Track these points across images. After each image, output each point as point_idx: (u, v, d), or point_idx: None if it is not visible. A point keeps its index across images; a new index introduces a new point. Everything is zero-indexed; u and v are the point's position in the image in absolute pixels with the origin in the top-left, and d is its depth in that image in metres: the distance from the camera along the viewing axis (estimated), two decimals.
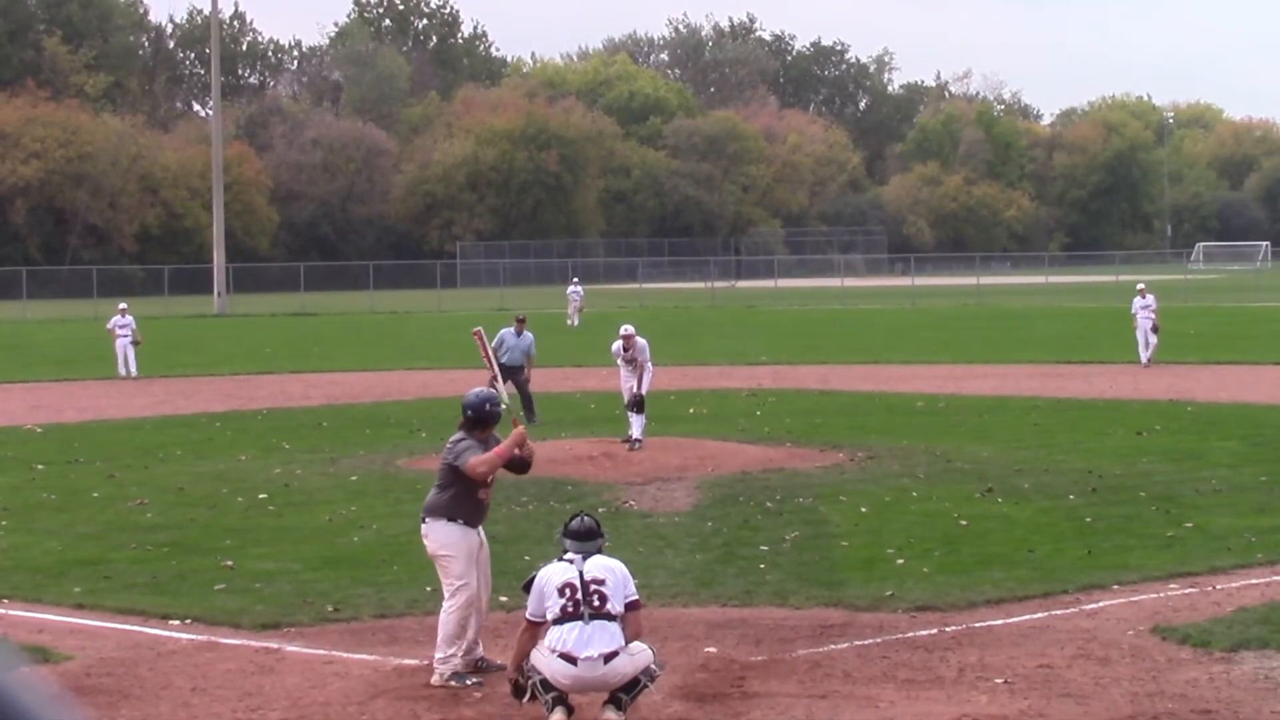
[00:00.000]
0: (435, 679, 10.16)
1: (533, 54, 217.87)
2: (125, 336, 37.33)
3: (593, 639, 9.18)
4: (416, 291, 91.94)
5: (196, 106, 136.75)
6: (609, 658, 9.15)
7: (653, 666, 9.26)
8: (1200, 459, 19.81)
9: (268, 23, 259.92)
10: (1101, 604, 12.01)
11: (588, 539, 9.51)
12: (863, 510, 16.24)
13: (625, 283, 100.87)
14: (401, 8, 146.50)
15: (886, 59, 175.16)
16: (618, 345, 21.89)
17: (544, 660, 9.23)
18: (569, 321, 58.80)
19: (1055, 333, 49.17)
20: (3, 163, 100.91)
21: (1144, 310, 35.78)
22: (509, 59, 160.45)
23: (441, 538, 10.39)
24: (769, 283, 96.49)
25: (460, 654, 10.27)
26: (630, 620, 9.35)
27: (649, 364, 21.71)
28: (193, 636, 11.53)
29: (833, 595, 12.43)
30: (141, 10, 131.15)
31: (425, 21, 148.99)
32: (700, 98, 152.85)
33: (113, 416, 28.20)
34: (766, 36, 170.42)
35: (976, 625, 11.44)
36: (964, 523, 15.41)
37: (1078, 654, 10.57)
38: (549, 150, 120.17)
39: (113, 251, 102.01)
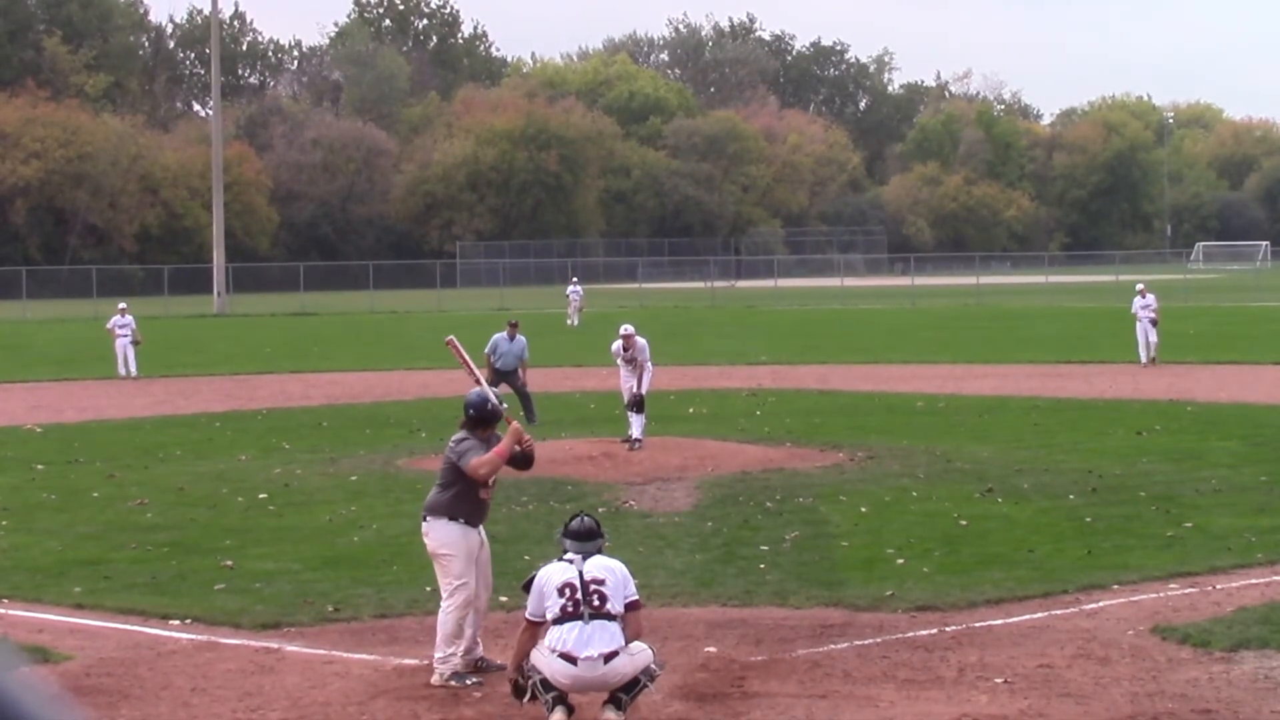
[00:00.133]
0: (435, 679, 10.17)
1: (533, 54, 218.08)
2: (125, 336, 37.33)
3: (592, 639, 9.18)
4: (416, 291, 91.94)
5: (196, 106, 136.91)
6: (609, 658, 9.15)
7: (653, 666, 9.26)
8: (1200, 459, 19.81)
9: (268, 23, 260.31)
10: (1101, 604, 12.01)
11: (588, 539, 9.51)
12: (863, 510, 16.24)
13: (625, 283, 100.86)
14: (401, 8, 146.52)
15: (886, 59, 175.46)
16: (617, 345, 21.91)
17: (544, 660, 9.23)
18: (569, 321, 58.80)
19: (1055, 333, 49.16)
20: (3, 163, 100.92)
21: (1144, 310, 35.80)
22: (509, 59, 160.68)
23: (442, 536, 10.39)
24: (769, 283, 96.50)
25: (460, 654, 10.27)
26: (630, 620, 9.35)
27: (649, 364, 21.71)
28: (193, 636, 11.52)
29: (833, 595, 12.43)
30: (141, 10, 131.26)
31: (425, 21, 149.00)
32: (700, 98, 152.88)
33: (113, 416, 28.20)
34: (766, 36, 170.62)
35: (976, 625, 11.44)
36: (964, 523, 15.41)
37: (1078, 654, 10.57)
38: (549, 150, 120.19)
39: (113, 251, 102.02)
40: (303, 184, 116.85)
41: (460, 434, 10.58)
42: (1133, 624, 11.33)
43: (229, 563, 14.00)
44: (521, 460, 10.67)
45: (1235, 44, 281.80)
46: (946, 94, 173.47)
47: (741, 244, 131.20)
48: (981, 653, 10.65)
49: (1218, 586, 12.49)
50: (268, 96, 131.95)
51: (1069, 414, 25.72)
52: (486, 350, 25.49)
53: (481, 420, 10.55)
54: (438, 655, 10.25)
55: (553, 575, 9.40)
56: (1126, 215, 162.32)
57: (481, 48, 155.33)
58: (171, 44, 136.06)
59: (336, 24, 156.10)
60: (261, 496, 17.86)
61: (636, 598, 9.48)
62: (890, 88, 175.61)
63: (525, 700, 9.34)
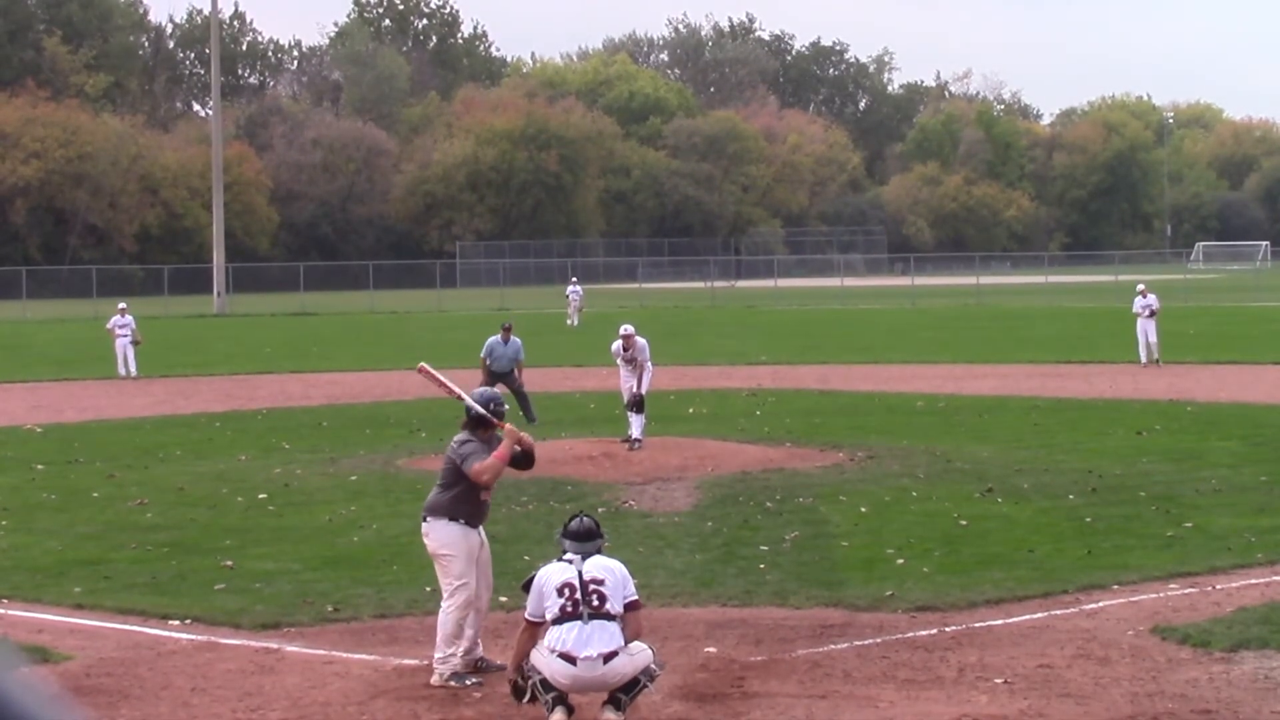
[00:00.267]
0: (435, 679, 10.17)
1: (533, 54, 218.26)
2: (125, 336, 37.33)
3: (592, 639, 9.18)
4: (416, 291, 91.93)
5: (196, 106, 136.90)
6: (608, 658, 9.15)
7: (652, 666, 9.26)
8: (1200, 459, 19.81)
9: (268, 23, 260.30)
10: (1101, 604, 12.01)
11: (587, 539, 9.51)
12: (863, 510, 16.24)
13: (625, 283, 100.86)
14: (401, 8, 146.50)
15: (886, 59, 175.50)
16: (617, 345, 21.91)
17: (543, 660, 9.23)
18: (569, 321, 58.80)
19: (1055, 333, 49.16)
20: (3, 163, 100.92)
21: (1145, 310, 35.80)
22: (509, 59, 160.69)
23: (442, 537, 10.39)
24: (769, 283, 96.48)
25: (460, 654, 10.27)
26: (630, 621, 9.35)
27: (649, 364, 21.72)
28: (193, 636, 11.52)
29: (833, 595, 12.43)
30: (141, 10, 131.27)
31: (425, 21, 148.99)
32: (700, 98, 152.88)
33: (113, 416, 28.20)
34: (766, 36, 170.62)
35: (976, 625, 11.43)
36: (964, 523, 15.41)
37: (1078, 654, 10.57)
38: (549, 150, 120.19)
39: (113, 251, 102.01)
40: (303, 184, 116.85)
41: (462, 435, 10.59)
42: (1133, 624, 11.33)
43: (229, 563, 14.00)
44: (523, 460, 10.68)
45: (1235, 44, 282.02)
46: (946, 94, 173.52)
47: (741, 244, 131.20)
48: (981, 653, 10.65)
49: (1218, 586, 12.49)
50: (268, 96, 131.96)
51: (1069, 414, 25.71)
52: (482, 354, 25.61)
53: (484, 421, 10.56)
54: (438, 655, 10.25)
55: (552, 575, 9.40)
56: (1126, 215, 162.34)
57: (481, 48, 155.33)
58: (171, 44, 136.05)
59: (336, 24, 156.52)
60: (261, 496, 17.86)
61: (636, 597, 9.48)
62: (890, 88, 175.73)
63: (525, 701, 9.34)
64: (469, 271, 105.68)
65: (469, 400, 10.62)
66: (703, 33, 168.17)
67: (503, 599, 11.65)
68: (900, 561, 13.58)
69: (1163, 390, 29.50)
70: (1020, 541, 14.43)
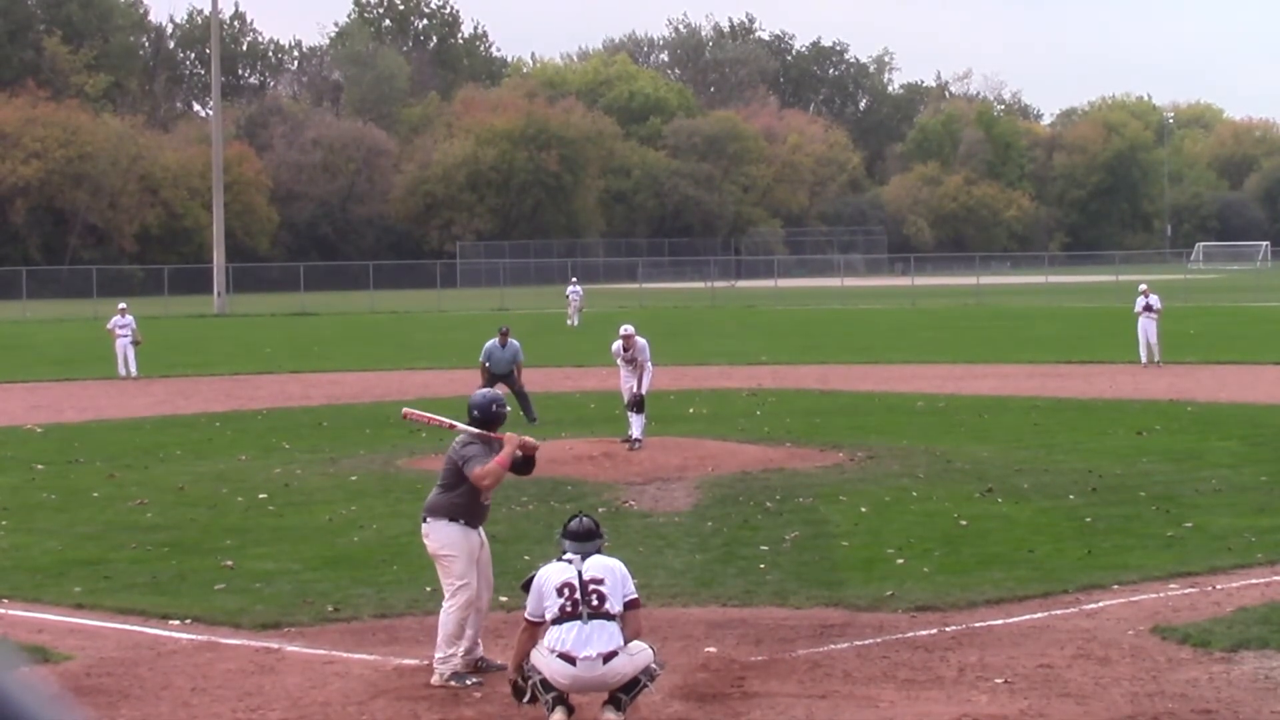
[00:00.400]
0: (435, 679, 10.17)
1: (533, 54, 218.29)
2: (125, 336, 37.33)
3: (591, 639, 9.17)
4: (416, 291, 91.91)
5: (196, 106, 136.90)
6: (608, 657, 9.14)
7: (652, 666, 9.26)
8: (1200, 459, 19.81)
9: (268, 23, 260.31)
10: (1101, 604, 12.01)
11: (586, 539, 9.50)
12: (863, 510, 16.24)
13: (625, 283, 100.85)
14: (401, 8, 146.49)
15: (886, 59, 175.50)
16: (618, 345, 21.92)
17: (543, 660, 9.23)
18: (569, 321, 58.81)
19: (1055, 333, 49.16)
20: (3, 163, 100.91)
21: (1146, 310, 35.80)
22: (509, 59, 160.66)
23: (443, 538, 10.39)
24: (769, 283, 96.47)
25: (460, 654, 10.27)
26: (629, 619, 9.35)
27: (649, 364, 21.72)
28: (193, 636, 11.52)
29: (833, 595, 12.42)
30: (141, 10, 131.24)
31: (425, 21, 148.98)
32: (700, 98, 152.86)
33: (113, 416, 28.20)
34: (766, 36, 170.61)
35: (976, 625, 11.43)
36: (964, 523, 15.41)
37: (1078, 654, 10.57)
38: (549, 150, 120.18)
39: (113, 251, 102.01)
40: (303, 184, 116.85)
41: (465, 436, 10.59)
42: (1133, 624, 11.33)
43: (229, 563, 14.00)
44: (523, 465, 10.68)
45: (1235, 44, 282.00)
46: (946, 94, 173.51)
47: (741, 244, 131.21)
48: (981, 653, 10.65)
49: (1218, 586, 12.49)
50: (268, 96, 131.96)
51: (1069, 414, 25.71)
52: (481, 358, 25.78)
53: (486, 422, 10.56)
54: (438, 655, 10.25)
55: (551, 575, 9.39)
56: (1126, 215, 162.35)
57: (481, 48, 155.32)
58: (171, 44, 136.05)
59: (336, 24, 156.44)
60: (261, 496, 17.86)
61: (635, 596, 9.47)
62: (890, 88, 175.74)
63: (525, 701, 9.34)
64: (469, 271, 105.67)
65: (462, 426, 10.62)
66: (703, 33, 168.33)
67: (503, 599, 11.65)
68: (900, 561, 13.58)
69: (1163, 390, 29.50)
70: (1020, 541, 14.43)
